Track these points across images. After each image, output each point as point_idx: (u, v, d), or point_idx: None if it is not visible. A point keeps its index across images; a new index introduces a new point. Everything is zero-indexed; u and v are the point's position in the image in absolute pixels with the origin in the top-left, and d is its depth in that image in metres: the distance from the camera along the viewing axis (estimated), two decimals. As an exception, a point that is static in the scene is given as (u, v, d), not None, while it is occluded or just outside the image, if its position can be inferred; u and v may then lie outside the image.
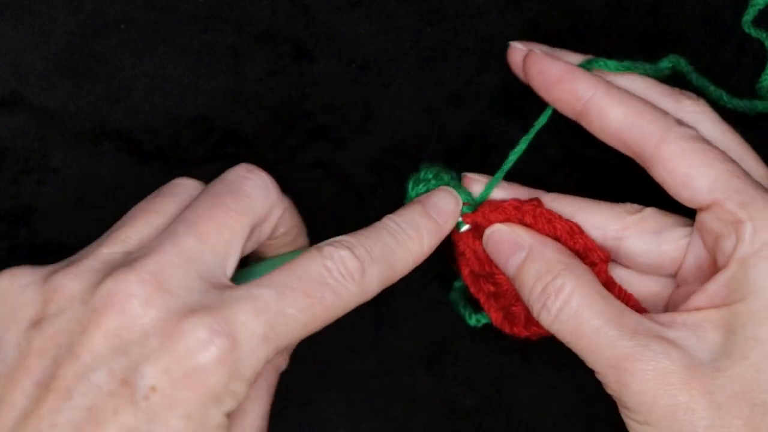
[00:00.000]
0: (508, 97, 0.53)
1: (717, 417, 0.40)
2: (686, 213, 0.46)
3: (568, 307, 0.43)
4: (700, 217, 0.44)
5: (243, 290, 0.40)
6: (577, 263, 0.44)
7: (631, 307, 0.45)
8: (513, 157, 0.47)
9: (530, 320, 0.46)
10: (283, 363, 0.45)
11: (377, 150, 0.54)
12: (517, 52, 0.48)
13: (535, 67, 0.46)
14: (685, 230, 0.46)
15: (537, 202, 0.46)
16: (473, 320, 0.48)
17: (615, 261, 0.47)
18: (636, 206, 0.47)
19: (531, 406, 0.53)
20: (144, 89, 0.54)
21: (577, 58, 0.47)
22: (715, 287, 0.42)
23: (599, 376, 0.42)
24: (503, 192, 0.48)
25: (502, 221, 0.46)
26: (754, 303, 0.41)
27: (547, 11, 0.53)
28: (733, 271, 0.42)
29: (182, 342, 0.39)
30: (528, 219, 0.46)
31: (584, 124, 0.46)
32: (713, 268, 0.44)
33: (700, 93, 0.48)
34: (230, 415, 0.40)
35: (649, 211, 0.46)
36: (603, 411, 0.53)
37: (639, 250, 0.46)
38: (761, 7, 0.52)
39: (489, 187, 0.47)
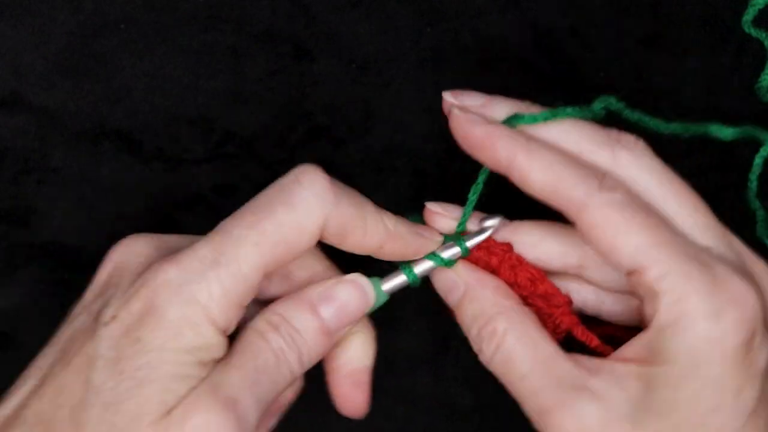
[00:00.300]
0: (507, 97, 0.53)
1: None
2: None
3: (500, 350, 0.43)
4: (627, 278, 0.43)
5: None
6: (513, 306, 0.44)
7: (594, 347, 0.45)
8: (468, 209, 0.47)
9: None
10: (287, 351, 0.43)
11: (377, 150, 0.54)
12: (446, 104, 0.46)
13: (458, 130, 0.45)
14: None
15: (507, 248, 0.46)
16: None
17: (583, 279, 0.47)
18: None
19: (531, 406, 0.53)
20: (144, 89, 0.54)
21: (507, 107, 0.45)
22: (638, 344, 0.42)
23: (533, 423, 0.43)
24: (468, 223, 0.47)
25: (473, 258, 0.46)
26: (671, 370, 0.40)
27: (547, 11, 0.53)
28: (651, 336, 0.41)
29: (145, 279, 0.41)
30: (494, 261, 0.46)
31: (513, 182, 0.44)
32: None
33: (638, 128, 0.46)
34: (203, 365, 0.41)
35: None
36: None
37: (599, 279, 0.46)
38: (761, 7, 0.52)
39: (460, 225, 0.47)
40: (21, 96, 0.53)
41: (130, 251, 0.43)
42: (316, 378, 0.53)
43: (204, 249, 0.41)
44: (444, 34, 0.54)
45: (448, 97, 0.46)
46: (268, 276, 0.42)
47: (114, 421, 0.39)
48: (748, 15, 0.52)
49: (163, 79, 0.54)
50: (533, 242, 0.46)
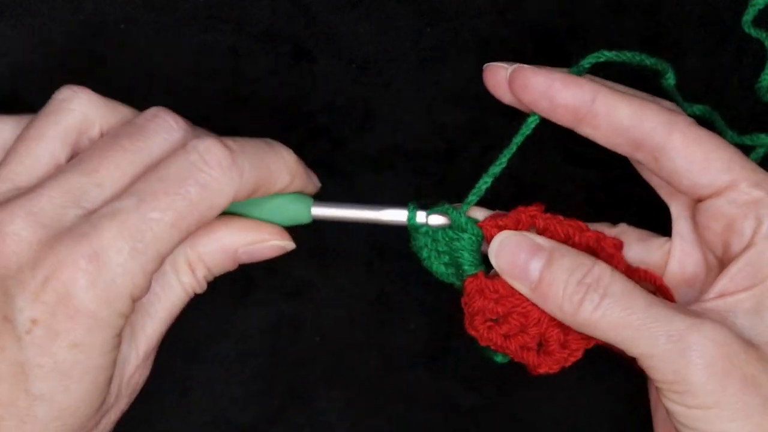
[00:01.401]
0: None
1: None
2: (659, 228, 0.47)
3: (613, 289, 0.41)
4: (707, 206, 0.43)
5: (108, 207, 0.40)
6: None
7: (659, 286, 0.45)
8: (494, 170, 0.46)
9: (568, 336, 0.45)
10: (194, 284, 0.45)
11: (377, 150, 0.54)
12: (498, 70, 0.46)
13: (532, 81, 0.45)
14: (662, 239, 0.46)
15: (541, 206, 0.46)
16: (499, 357, 0.47)
17: None
18: (608, 224, 0.47)
19: (531, 405, 0.53)
20: (144, 89, 0.54)
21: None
22: (738, 269, 0.42)
23: (651, 360, 0.40)
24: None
25: (512, 228, 0.45)
26: None
27: (547, 11, 0.53)
28: (760, 248, 0.42)
29: (51, 271, 0.39)
30: (539, 223, 0.45)
31: (587, 129, 0.45)
32: (703, 270, 0.44)
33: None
34: (120, 334, 0.41)
35: (624, 226, 0.47)
36: (603, 411, 0.53)
37: (630, 259, 0.46)
38: (761, 7, 0.52)
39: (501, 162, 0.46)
40: (21, 96, 0.53)
41: (16, 237, 0.40)
42: (316, 377, 0.53)
43: (120, 241, 0.40)
44: (444, 34, 0.54)
45: (502, 63, 0.46)
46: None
47: (67, 423, 0.40)
48: (748, 15, 0.52)
49: (163, 79, 0.54)
50: None
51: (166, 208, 0.40)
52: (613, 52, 0.46)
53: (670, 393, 0.40)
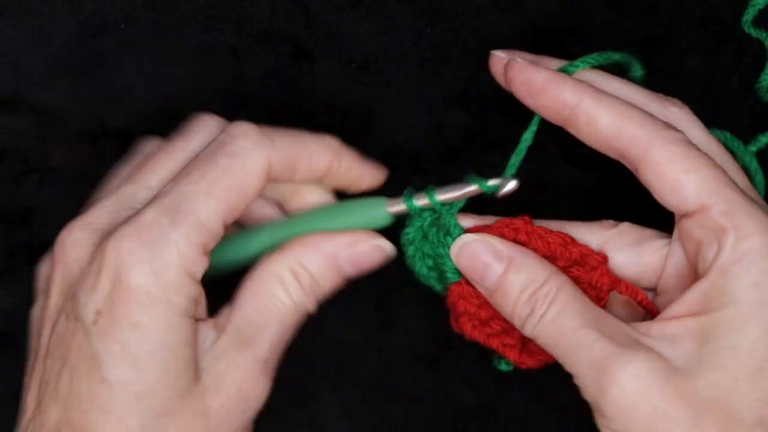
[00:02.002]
0: (508, 97, 0.53)
1: (694, 425, 0.40)
2: (659, 227, 0.46)
3: (552, 308, 0.43)
4: (683, 224, 0.43)
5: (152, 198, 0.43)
6: (556, 269, 0.44)
7: (640, 301, 0.45)
8: (522, 147, 0.47)
9: None
10: (302, 295, 0.45)
11: (377, 150, 0.54)
12: (499, 60, 0.47)
13: (518, 77, 0.45)
14: (663, 241, 0.46)
15: (527, 219, 0.46)
16: (503, 365, 0.48)
17: None
18: (611, 222, 0.47)
19: (531, 406, 0.53)
20: (144, 89, 0.54)
21: (558, 63, 0.47)
22: (693, 296, 0.42)
23: (577, 381, 0.42)
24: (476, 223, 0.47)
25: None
26: (733, 312, 0.40)
27: (547, 11, 0.53)
28: (712, 279, 0.41)
29: (105, 260, 0.41)
30: (522, 237, 0.46)
31: (572, 130, 0.45)
32: (693, 276, 0.44)
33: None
34: (189, 316, 0.42)
35: (626, 226, 0.46)
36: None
37: (620, 262, 0.46)
38: (761, 7, 0.52)
39: (510, 168, 0.47)
40: (21, 96, 0.53)
41: (74, 245, 0.43)
42: (315, 377, 0.53)
43: (154, 213, 0.42)
44: (444, 34, 0.54)
45: (500, 54, 0.47)
46: (227, 224, 0.44)
47: (150, 406, 0.41)
48: (748, 15, 0.52)
49: (163, 79, 0.54)
50: None
51: (198, 179, 0.42)
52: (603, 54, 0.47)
53: (594, 411, 0.42)
